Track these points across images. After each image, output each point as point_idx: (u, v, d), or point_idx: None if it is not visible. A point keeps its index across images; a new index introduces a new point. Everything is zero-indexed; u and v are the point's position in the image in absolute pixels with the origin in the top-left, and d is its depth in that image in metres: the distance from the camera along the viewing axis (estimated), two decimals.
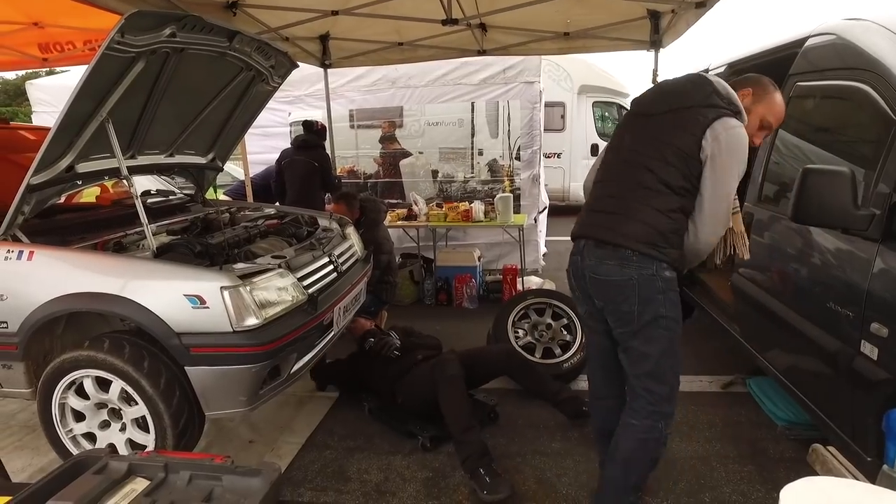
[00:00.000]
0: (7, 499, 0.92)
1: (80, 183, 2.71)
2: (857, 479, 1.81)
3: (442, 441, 2.86)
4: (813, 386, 2.33)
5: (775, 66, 2.97)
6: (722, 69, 3.78)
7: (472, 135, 6.81)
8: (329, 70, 5.36)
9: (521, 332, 3.66)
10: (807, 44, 2.68)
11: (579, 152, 10.19)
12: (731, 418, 3.06)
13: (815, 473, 2.15)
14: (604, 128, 10.37)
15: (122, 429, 2.49)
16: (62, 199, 2.78)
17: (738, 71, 3.63)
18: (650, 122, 1.98)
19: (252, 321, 2.32)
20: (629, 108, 2.18)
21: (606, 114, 10.43)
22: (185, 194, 3.84)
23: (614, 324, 1.99)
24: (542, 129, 5.85)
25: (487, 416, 3.08)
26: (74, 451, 2.51)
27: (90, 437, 2.54)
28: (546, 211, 6.69)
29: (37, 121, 6.49)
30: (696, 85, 1.94)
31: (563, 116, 9.95)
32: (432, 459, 2.77)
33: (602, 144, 10.12)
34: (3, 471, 1.90)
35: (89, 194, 3.49)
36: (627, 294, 1.89)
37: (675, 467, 2.64)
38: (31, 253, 2.38)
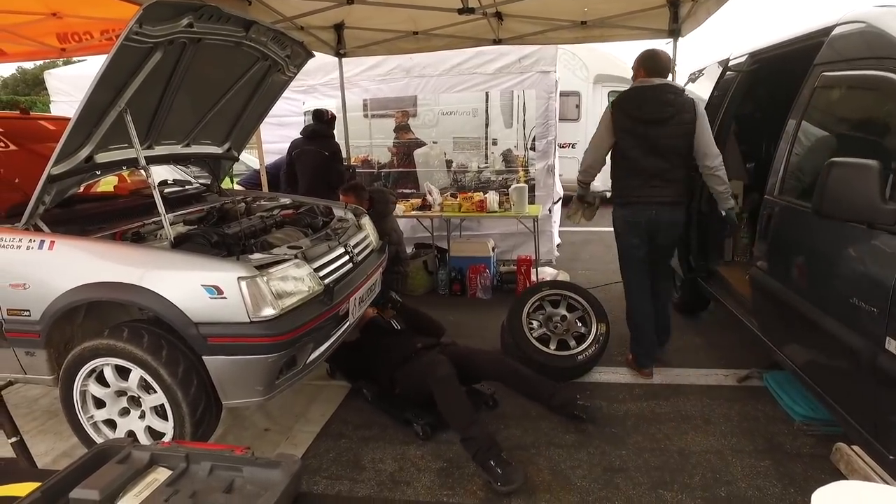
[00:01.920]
0: (36, 485, 0.94)
1: (98, 173, 2.73)
2: (883, 479, 1.79)
3: (437, 429, 2.88)
4: (833, 382, 2.29)
5: (800, 55, 2.91)
6: (743, 59, 3.71)
7: (487, 124, 6.77)
8: (343, 59, 5.35)
9: (535, 324, 3.65)
10: (834, 32, 2.61)
11: None
12: (748, 412, 3.03)
13: (838, 472, 2.14)
14: None
15: (142, 416, 2.53)
16: (81, 189, 2.81)
17: (761, 61, 3.56)
18: (663, 128, 3.14)
19: (269, 311, 2.33)
20: (626, 114, 3.20)
21: None
22: (201, 184, 3.86)
23: (668, 243, 3.42)
24: (558, 118, 5.80)
25: (486, 405, 3.11)
26: (96, 437, 2.56)
27: (111, 423, 2.58)
28: (561, 202, 6.65)
29: (55, 111, 6.56)
30: (677, 96, 3.17)
31: (578, 106, 9.84)
32: (446, 450, 2.78)
33: None
34: (30, 456, 1.94)
35: (107, 184, 3.52)
36: (681, 225, 3.36)
37: (691, 461, 2.63)
38: (52, 243, 2.41)
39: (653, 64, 3.24)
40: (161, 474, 1.03)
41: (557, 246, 6.36)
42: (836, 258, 2.26)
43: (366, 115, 6.62)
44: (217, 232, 2.76)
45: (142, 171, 2.73)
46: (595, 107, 9.94)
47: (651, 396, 3.25)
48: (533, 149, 5.99)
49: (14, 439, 1.95)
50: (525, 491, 2.45)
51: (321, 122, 5.23)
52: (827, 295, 2.30)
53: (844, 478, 2.27)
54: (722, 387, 3.34)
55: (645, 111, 3.15)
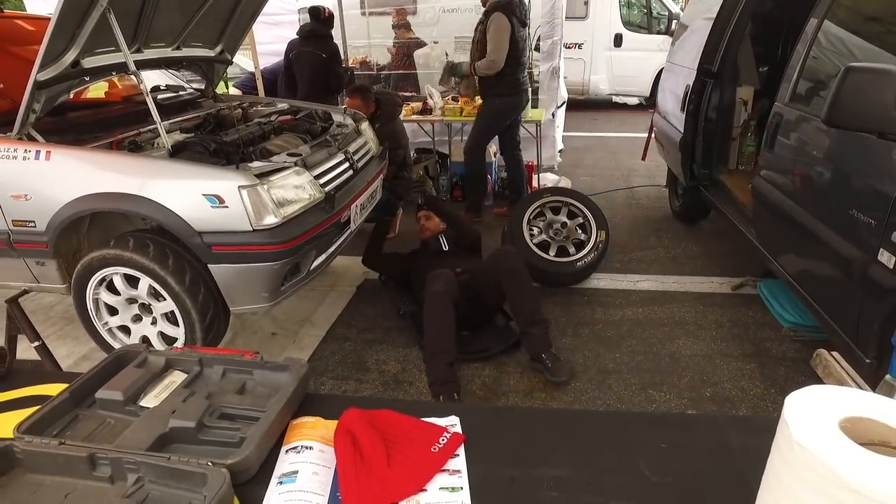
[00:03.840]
0: (63, 385, 1.00)
1: (87, 79, 2.64)
2: (856, 383, 1.89)
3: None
4: (824, 290, 2.35)
5: None
6: None
7: None
8: None
9: (535, 231, 3.68)
10: None
11: (602, 42, 9.60)
12: (739, 319, 3.14)
13: (816, 376, 2.25)
14: (629, 15, 9.66)
15: (154, 322, 2.63)
16: (71, 96, 2.72)
17: None
18: (525, 30, 4.25)
19: (271, 220, 2.35)
20: (518, 20, 4.14)
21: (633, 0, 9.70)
22: (195, 89, 3.74)
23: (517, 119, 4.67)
24: (564, 16, 5.48)
25: (508, 347, 2.89)
26: (112, 342, 2.67)
27: (125, 329, 2.68)
28: (564, 106, 6.46)
29: (31, 8, 6.19)
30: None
31: (586, 3, 9.27)
32: None
33: (627, 33, 9.55)
34: (54, 360, 2.04)
35: (97, 89, 3.40)
36: None
37: (680, 364, 2.76)
38: (49, 153, 2.37)
39: None
40: (177, 377, 1.09)
41: (560, 152, 6.26)
42: (839, 169, 2.24)
43: (363, 13, 6.26)
44: (215, 140, 2.71)
45: (132, 77, 2.63)
46: (604, 3, 9.37)
47: (647, 302, 3.35)
48: (537, 49, 5.70)
49: (37, 343, 2.04)
50: (522, 390, 2.60)
51: (318, 21, 4.96)
52: (827, 206, 2.30)
53: (822, 382, 2.40)
54: (716, 294, 3.44)
55: (524, 16, 4.24)
